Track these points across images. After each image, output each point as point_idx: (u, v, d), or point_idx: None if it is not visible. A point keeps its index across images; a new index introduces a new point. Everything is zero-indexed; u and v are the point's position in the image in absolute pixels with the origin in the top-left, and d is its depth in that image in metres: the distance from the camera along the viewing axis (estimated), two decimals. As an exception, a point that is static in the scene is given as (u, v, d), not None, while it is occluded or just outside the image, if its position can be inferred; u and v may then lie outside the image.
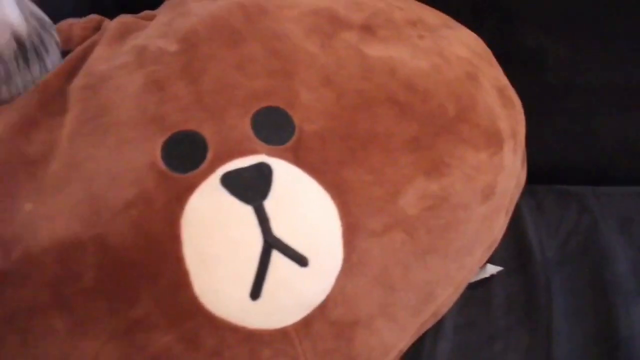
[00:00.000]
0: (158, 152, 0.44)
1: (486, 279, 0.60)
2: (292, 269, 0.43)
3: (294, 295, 0.43)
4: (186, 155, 0.44)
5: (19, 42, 0.49)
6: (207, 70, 0.47)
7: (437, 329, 0.56)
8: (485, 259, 0.55)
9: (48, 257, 0.43)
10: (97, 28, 0.56)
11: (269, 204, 0.43)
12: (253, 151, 0.44)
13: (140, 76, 0.48)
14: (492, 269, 0.60)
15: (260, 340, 0.43)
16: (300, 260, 0.43)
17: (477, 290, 0.59)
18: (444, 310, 0.53)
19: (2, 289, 0.43)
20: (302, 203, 0.44)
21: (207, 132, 0.45)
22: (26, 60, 0.49)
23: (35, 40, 0.50)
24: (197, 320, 0.42)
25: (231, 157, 0.44)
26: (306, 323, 0.44)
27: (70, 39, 0.54)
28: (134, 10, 0.57)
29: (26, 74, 0.50)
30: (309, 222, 0.44)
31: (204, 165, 0.44)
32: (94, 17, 0.57)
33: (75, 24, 0.55)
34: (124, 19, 0.55)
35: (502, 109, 0.53)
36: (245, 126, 0.45)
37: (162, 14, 0.55)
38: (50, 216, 0.43)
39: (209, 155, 0.44)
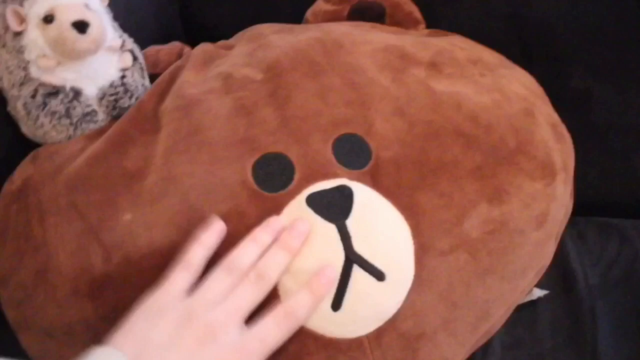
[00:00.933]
0: (249, 172, 0.48)
1: (532, 301, 0.62)
2: (370, 283, 0.46)
3: (371, 307, 0.46)
4: (275, 176, 0.48)
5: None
6: (291, 97, 0.52)
7: (485, 348, 0.59)
8: (536, 282, 0.57)
9: (147, 262, 0.47)
10: (180, 54, 0.60)
11: (350, 223, 0.46)
12: (335, 174, 0.48)
13: (229, 100, 0.52)
14: (538, 292, 0.62)
15: (338, 348, 0.46)
16: (379, 275, 0.46)
17: (523, 312, 0.61)
18: (496, 328, 0.55)
19: (103, 290, 0.47)
20: (379, 223, 0.48)
21: (294, 154, 0.49)
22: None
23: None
24: None
25: (316, 180, 0.48)
26: (379, 334, 0.47)
27: (157, 63, 0.59)
28: (200, 38, 0.62)
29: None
30: (386, 241, 0.48)
31: (291, 186, 0.48)
32: (177, 44, 0.62)
33: (162, 50, 0.60)
34: (206, 47, 0.59)
35: (555, 143, 0.56)
36: (327, 151, 0.49)
37: (241, 45, 0.59)
38: (149, 225, 0.48)
39: (296, 176, 0.48)
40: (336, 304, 0.45)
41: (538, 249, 0.55)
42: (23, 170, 0.54)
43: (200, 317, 0.40)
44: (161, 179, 0.49)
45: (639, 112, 0.67)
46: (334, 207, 0.47)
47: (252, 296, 0.42)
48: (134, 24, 0.61)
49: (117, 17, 0.56)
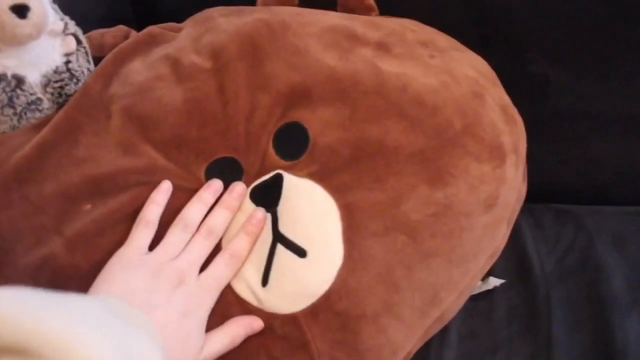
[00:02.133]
0: (202, 175, 0.52)
1: (488, 291, 0.62)
2: (292, 259, 0.48)
3: (296, 283, 0.49)
4: (225, 179, 0.52)
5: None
6: (239, 94, 0.53)
7: (442, 337, 0.59)
8: (488, 267, 0.57)
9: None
10: (126, 37, 0.60)
11: (280, 209, 0.50)
12: (274, 168, 0.52)
13: (180, 91, 0.53)
14: (495, 282, 0.62)
15: (274, 321, 0.49)
16: (300, 252, 0.48)
17: (479, 302, 0.61)
18: (449, 316, 0.55)
19: (68, 280, 0.48)
20: (304, 205, 0.50)
21: (241, 156, 0.52)
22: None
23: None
24: (228, 299, 0.49)
25: (259, 176, 0.52)
26: (313, 311, 0.48)
27: (102, 46, 0.59)
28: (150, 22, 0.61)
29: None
30: (309, 221, 0.50)
31: None
32: (122, 28, 0.62)
33: (107, 33, 0.60)
34: (152, 29, 0.59)
35: (505, 125, 0.55)
36: (269, 147, 0.53)
37: (189, 27, 0.59)
38: (112, 221, 0.50)
39: (244, 177, 0.53)
40: (264, 280, 0.49)
41: (488, 232, 0.54)
42: None
43: (168, 266, 0.47)
44: (119, 172, 0.51)
45: (596, 98, 0.67)
46: (268, 196, 0.51)
47: (205, 247, 0.49)
48: (82, 8, 0.60)
49: (63, 1, 0.55)
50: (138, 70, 0.55)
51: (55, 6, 0.54)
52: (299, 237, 0.49)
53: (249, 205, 0.51)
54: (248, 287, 0.49)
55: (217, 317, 0.48)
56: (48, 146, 0.51)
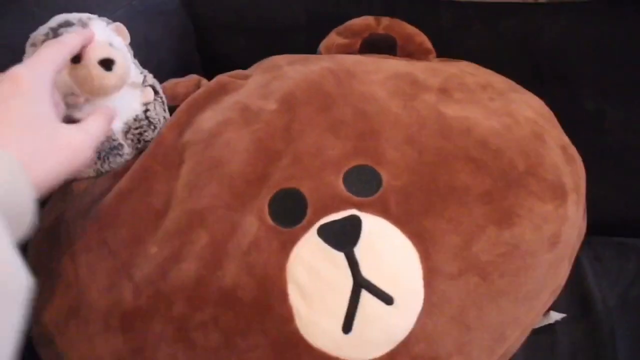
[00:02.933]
0: (266, 208, 0.51)
1: (550, 325, 0.62)
2: (379, 306, 0.48)
3: (381, 330, 0.48)
4: (289, 211, 0.51)
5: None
6: (304, 132, 0.54)
7: (505, 372, 0.59)
8: (550, 303, 0.57)
9: (176, 296, 0.49)
10: (198, 86, 0.62)
11: (358, 251, 0.49)
12: (345, 206, 0.51)
13: (246, 133, 0.54)
14: (556, 316, 0.62)
15: None
16: (387, 299, 0.48)
17: (541, 336, 0.62)
18: (512, 351, 0.56)
19: (133, 323, 0.49)
20: (387, 249, 0.50)
21: (306, 189, 0.51)
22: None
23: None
24: (298, 350, 0.48)
25: (327, 212, 0.51)
26: (391, 357, 0.48)
27: (175, 96, 0.61)
28: (217, 70, 0.64)
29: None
30: (394, 266, 0.49)
31: (305, 220, 0.50)
32: (194, 77, 0.64)
33: (179, 83, 0.62)
34: (221, 78, 0.61)
35: (566, 165, 0.56)
36: (338, 184, 0.52)
37: (257, 75, 0.61)
38: (176, 259, 0.50)
39: (309, 211, 0.51)
40: (346, 327, 0.47)
41: (551, 271, 0.55)
42: (55, 208, 0.56)
43: None
44: (185, 212, 0.52)
45: (653, 132, 0.68)
46: (343, 236, 0.49)
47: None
48: (154, 60, 0.63)
49: (137, 53, 0.58)
50: (209, 117, 0.57)
51: (136, 61, 0.57)
52: (385, 283, 0.48)
53: (317, 241, 0.49)
54: (325, 335, 0.47)
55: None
56: (125, 193, 0.53)
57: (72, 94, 0.52)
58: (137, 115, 0.56)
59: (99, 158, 0.55)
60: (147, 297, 0.49)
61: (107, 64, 0.51)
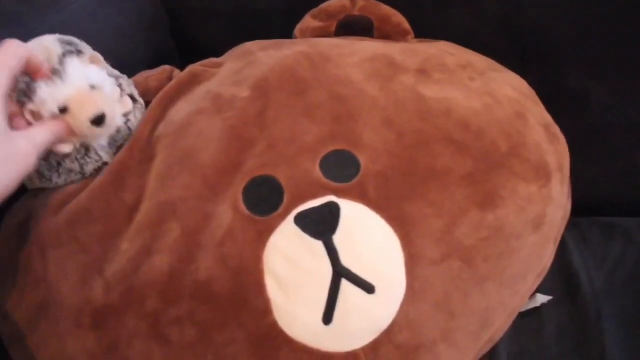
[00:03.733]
0: (240, 196, 0.49)
1: (536, 308, 0.62)
2: (360, 295, 0.46)
3: (363, 320, 0.47)
4: (265, 199, 0.49)
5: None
6: (278, 118, 0.52)
7: (491, 357, 0.59)
8: (536, 286, 0.56)
9: (149, 290, 0.47)
10: (170, 78, 0.60)
11: (337, 238, 0.47)
12: (323, 192, 0.49)
13: (218, 121, 0.52)
14: (542, 298, 0.62)
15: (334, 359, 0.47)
16: (368, 288, 0.46)
17: (527, 319, 0.61)
18: (499, 336, 0.55)
19: (105, 320, 0.48)
20: (367, 236, 0.48)
21: (282, 176, 0.50)
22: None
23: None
24: (277, 343, 0.46)
25: (304, 199, 0.49)
26: (374, 346, 0.47)
27: (147, 90, 0.59)
28: (194, 57, 0.62)
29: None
30: (374, 253, 0.48)
31: (281, 208, 0.49)
32: (165, 68, 0.62)
33: (151, 76, 0.60)
34: (193, 68, 0.59)
35: (549, 144, 0.55)
36: (315, 169, 0.50)
37: (229, 62, 0.59)
38: (148, 252, 0.48)
39: (285, 198, 0.49)
40: (327, 318, 0.46)
41: (536, 252, 0.54)
42: (24, 204, 0.54)
43: None
44: (156, 204, 0.50)
45: (636, 110, 0.67)
46: (321, 223, 0.48)
47: None
48: (126, 48, 0.61)
49: (107, 42, 0.56)
50: (181, 108, 0.55)
51: (110, 69, 0.55)
52: (365, 271, 0.46)
53: (294, 229, 0.47)
54: (305, 326, 0.46)
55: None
56: (97, 189, 0.52)
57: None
58: (118, 128, 0.54)
59: (84, 177, 0.54)
60: (118, 293, 0.48)
61: (98, 121, 0.50)
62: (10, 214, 0.54)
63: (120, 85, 0.55)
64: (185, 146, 0.52)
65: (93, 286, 0.48)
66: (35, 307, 0.49)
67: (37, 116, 0.49)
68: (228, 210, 0.49)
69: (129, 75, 0.57)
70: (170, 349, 0.47)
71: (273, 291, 0.46)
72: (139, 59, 0.68)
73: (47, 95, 0.49)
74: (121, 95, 0.55)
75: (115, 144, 0.54)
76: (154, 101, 0.56)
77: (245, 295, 0.46)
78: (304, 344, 0.46)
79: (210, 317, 0.46)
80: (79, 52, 0.52)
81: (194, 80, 0.57)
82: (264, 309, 0.46)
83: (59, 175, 0.53)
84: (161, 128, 0.54)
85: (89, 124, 0.50)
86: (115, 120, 0.53)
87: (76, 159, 0.53)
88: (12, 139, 0.45)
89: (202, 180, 0.50)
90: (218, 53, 0.63)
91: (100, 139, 0.53)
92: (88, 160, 0.53)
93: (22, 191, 0.55)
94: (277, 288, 0.46)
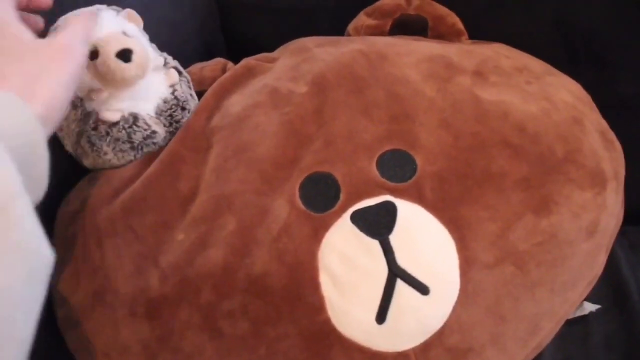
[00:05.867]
0: (297, 192, 0.49)
1: (583, 316, 0.61)
2: (414, 296, 0.46)
3: (415, 320, 0.47)
4: (321, 196, 0.49)
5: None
6: (336, 115, 0.52)
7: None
8: (586, 294, 0.56)
9: (203, 283, 0.48)
10: (224, 70, 0.61)
11: (393, 238, 0.47)
12: (380, 192, 0.49)
13: (276, 116, 0.52)
14: (590, 307, 0.60)
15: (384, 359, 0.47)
16: (422, 289, 0.46)
17: (574, 327, 0.60)
18: (546, 342, 0.54)
19: (160, 310, 0.48)
20: (423, 237, 0.48)
21: (339, 174, 0.50)
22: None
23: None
24: (329, 340, 0.46)
25: (361, 198, 0.49)
26: (425, 348, 0.47)
27: (202, 80, 0.59)
28: (242, 52, 0.62)
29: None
30: (430, 255, 0.48)
31: (338, 205, 0.49)
32: (219, 60, 0.62)
33: (206, 67, 0.61)
34: (248, 61, 0.60)
35: (605, 151, 0.55)
36: (372, 168, 0.50)
37: (285, 58, 0.59)
38: (204, 245, 0.49)
39: (342, 196, 0.49)
40: (380, 317, 0.46)
41: (588, 260, 0.53)
42: (79, 192, 0.55)
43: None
44: (212, 197, 0.50)
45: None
46: (377, 223, 0.48)
47: None
48: (178, 41, 0.62)
49: (160, 35, 0.57)
50: (237, 101, 0.55)
51: (154, 45, 0.56)
52: (420, 273, 0.46)
53: (350, 227, 0.47)
54: (358, 325, 0.46)
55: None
56: (152, 178, 0.52)
57: (95, 89, 0.51)
58: (165, 98, 0.55)
59: (133, 148, 0.54)
60: (173, 284, 0.48)
61: (125, 55, 0.50)
62: (67, 202, 0.55)
63: (163, 57, 0.56)
64: (242, 140, 0.52)
65: (148, 276, 0.49)
66: (91, 295, 0.50)
67: None
68: (285, 205, 0.49)
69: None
70: (223, 342, 0.47)
71: (328, 289, 0.46)
72: (190, 51, 0.68)
73: None
74: (165, 66, 0.56)
75: (164, 115, 0.55)
76: (209, 91, 0.57)
77: (300, 291, 0.46)
78: (356, 343, 0.46)
79: (263, 312, 0.47)
80: (117, 10, 0.53)
81: (249, 74, 0.58)
82: (318, 306, 0.46)
83: (108, 144, 0.53)
84: (217, 119, 0.54)
85: (114, 57, 0.49)
86: (149, 68, 0.53)
87: (124, 127, 0.53)
88: (44, 40, 0.43)
89: (259, 174, 0.50)
90: (265, 49, 0.63)
91: (136, 92, 0.53)
92: (136, 129, 0.53)
93: (77, 179, 0.56)
94: (332, 286, 0.46)
